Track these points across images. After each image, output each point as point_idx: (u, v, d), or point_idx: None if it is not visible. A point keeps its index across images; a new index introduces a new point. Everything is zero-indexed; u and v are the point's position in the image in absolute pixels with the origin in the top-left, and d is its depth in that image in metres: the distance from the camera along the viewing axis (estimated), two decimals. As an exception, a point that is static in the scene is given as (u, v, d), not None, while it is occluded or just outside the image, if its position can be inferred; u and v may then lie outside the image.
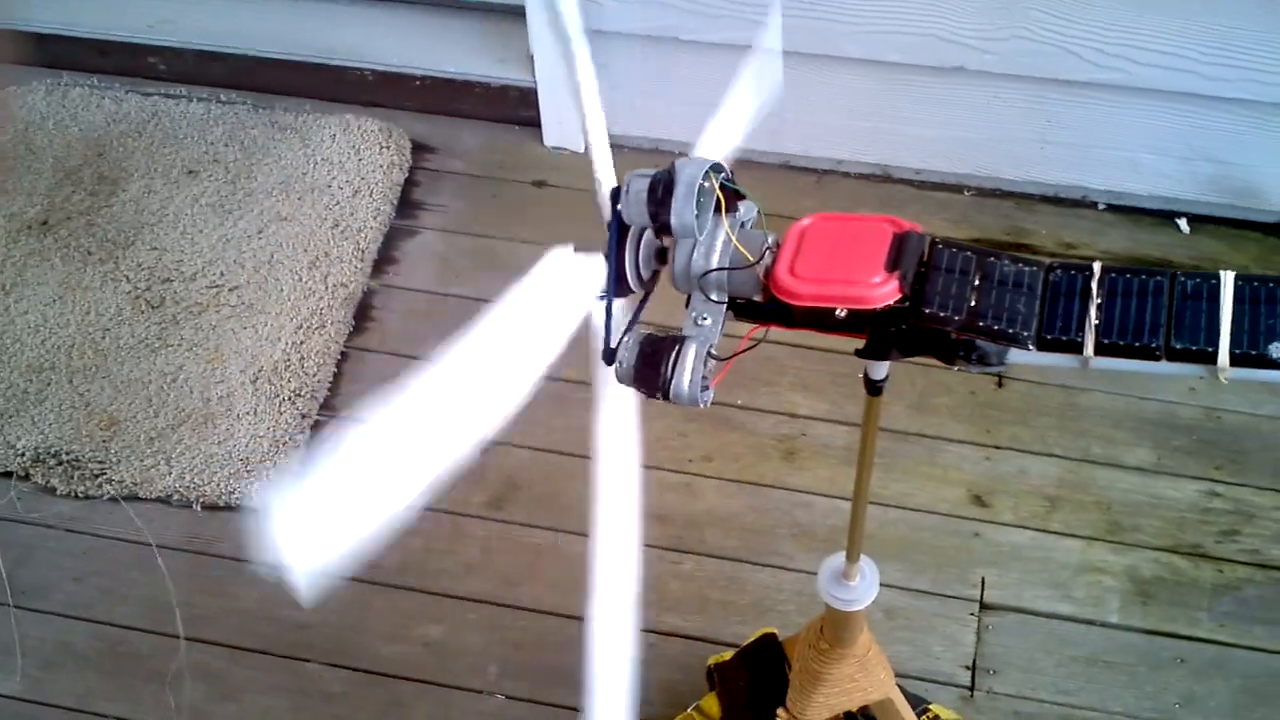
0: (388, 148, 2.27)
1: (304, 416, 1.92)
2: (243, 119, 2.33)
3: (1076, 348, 0.74)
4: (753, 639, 1.45)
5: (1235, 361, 0.71)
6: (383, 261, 2.14)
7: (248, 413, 1.91)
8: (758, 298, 0.83)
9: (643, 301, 0.89)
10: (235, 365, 1.97)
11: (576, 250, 0.84)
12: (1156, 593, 1.71)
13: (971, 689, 1.64)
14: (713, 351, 0.82)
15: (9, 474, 1.87)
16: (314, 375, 1.96)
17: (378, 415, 0.71)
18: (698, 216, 0.80)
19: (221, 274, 2.09)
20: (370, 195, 2.20)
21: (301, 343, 2.00)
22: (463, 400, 0.76)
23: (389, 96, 2.35)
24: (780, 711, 1.27)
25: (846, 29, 2.01)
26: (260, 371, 1.96)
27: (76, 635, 1.73)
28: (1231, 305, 0.72)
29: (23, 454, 1.88)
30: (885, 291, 0.77)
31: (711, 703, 1.48)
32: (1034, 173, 2.16)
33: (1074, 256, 2.10)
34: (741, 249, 0.82)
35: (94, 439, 1.89)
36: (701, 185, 0.80)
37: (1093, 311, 0.74)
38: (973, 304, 0.76)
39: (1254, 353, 0.70)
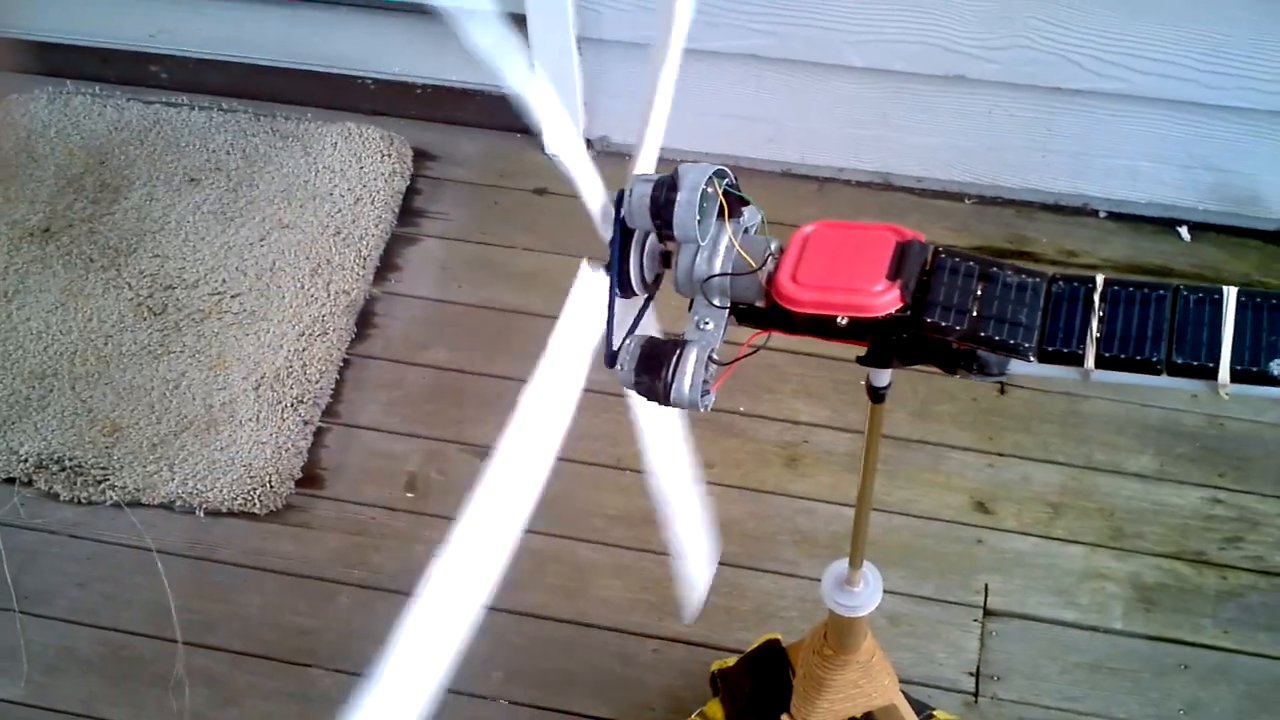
0: (389, 155, 2.27)
1: (306, 423, 1.92)
2: (244, 127, 2.34)
3: (1077, 360, 0.74)
4: (757, 645, 1.45)
5: (1236, 378, 0.71)
6: (384, 269, 2.14)
7: (250, 419, 1.92)
8: (760, 303, 0.83)
9: (645, 304, 0.89)
10: (238, 372, 1.97)
11: (590, 260, 0.84)
12: (1160, 599, 1.71)
13: (975, 695, 1.64)
14: (714, 356, 0.82)
15: (12, 480, 1.88)
16: (316, 382, 1.96)
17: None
18: (700, 221, 0.80)
19: (224, 281, 2.10)
20: (372, 203, 2.20)
21: (304, 349, 2.00)
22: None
23: (390, 104, 2.36)
24: (784, 717, 1.27)
25: (848, 38, 2.01)
26: (263, 378, 1.97)
27: (80, 640, 1.73)
28: (1234, 321, 0.72)
29: (26, 460, 1.88)
30: (886, 300, 0.77)
31: (715, 709, 1.48)
32: (1035, 181, 2.16)
33: (1075, 264, 2.10)
34: (744, 254, 0.83)
35: (97, 445, 1.90)
36: (704, 190, 0.80)
37: (1094, 324, 0.74)
38: (974, 314, 0.76)
39: (1255, 369, 0.71)
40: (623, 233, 0.84)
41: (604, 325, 0.84)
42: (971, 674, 1.65)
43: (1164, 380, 0.73)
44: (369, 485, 1.87)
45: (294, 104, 2.38)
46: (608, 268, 0.85)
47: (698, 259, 0.83)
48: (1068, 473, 1.84)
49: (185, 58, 2.40)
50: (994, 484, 1.83)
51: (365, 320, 2.07)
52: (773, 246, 0.83)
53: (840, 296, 0.78)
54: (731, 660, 1.48)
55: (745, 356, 0.84)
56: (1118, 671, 1.65)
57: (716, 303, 0.83)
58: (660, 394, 0.81)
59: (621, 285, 0.86)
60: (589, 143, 2.26)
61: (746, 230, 0.86)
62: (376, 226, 2.17)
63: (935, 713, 1.51)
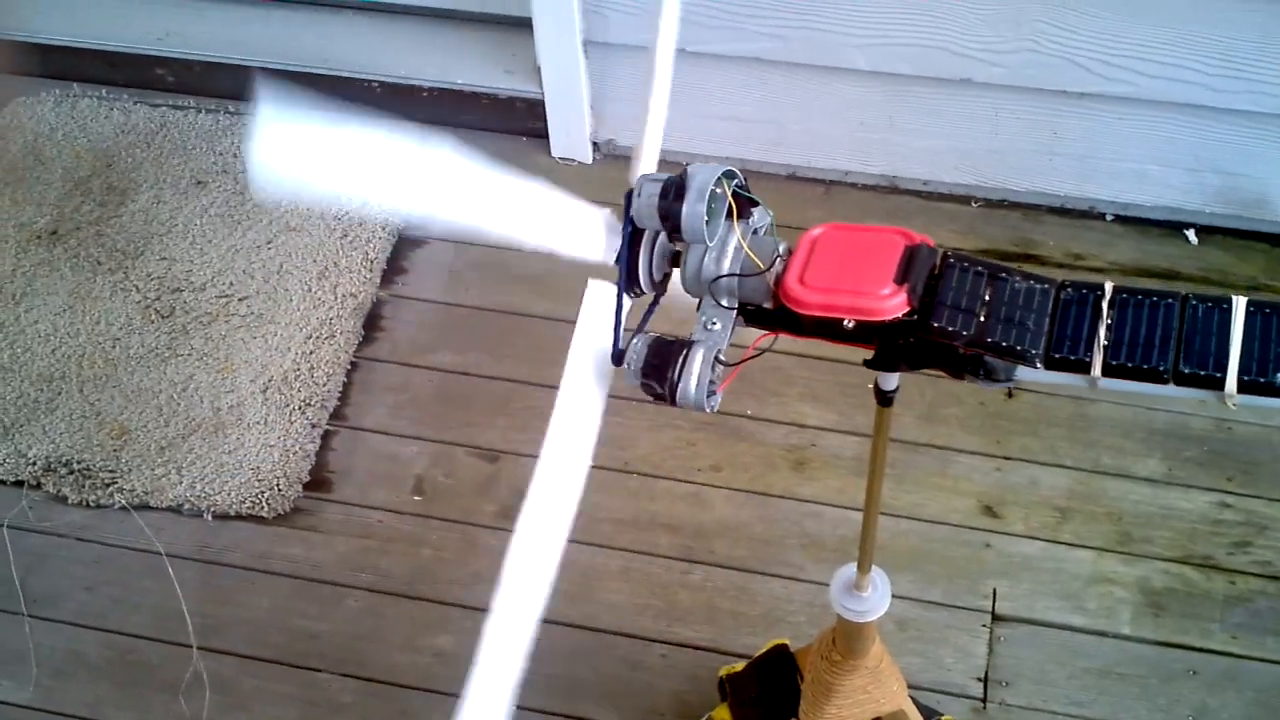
0: (397, 159, 2.27)
1: (314, 426, 1.92)
2: (251, 130, 2.34)
3: (1084, 367, 0.73)
4: (764, 649, 1.44)
5: (1243, 388, 0.71)
6: (392, 272, 2.14)
7: (258, 422, 1.92)
8: (768, 305, 0.83)
9: (653, 304, 0.89)
10: (245, 375, 1.98)
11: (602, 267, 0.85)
12: (1168, 604, 1.71)
13: (984, 701, 1.63)
14: (721, 357, 0.82)
15: (20, 483, 1.88)
16: (324, 385, 1.97)
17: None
18: (708, 221, 0.80)
19: (231, 284, 2.10)
20: (378, 205, 2.20)
21: (311, 352, 2.00)
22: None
23: (397, 107, 2.36)
24: (791, 722, 1.27)
25: (853, 41, 2.01)
26: (270, 381, 1.97)
27: (88, 644, 1.73)
28: (1242, 331, 0.71)
29: (34, 463, 1.89)
30: (893, 304, 0.76)
31: (723, 714, 1.48)
32: (1041, 184, 2.16)
33: (1082, 268, 2.09)
34: (752, 255, 0.83)
35: (105, 448, 1.90)
36: (713, 190, 0.80)
37: (1102, 331, 0.73)
38: (982, 320, 0.76)
39: (1262, 380, 0.70)
40: (632, 231, 0.84)
41: (612, 323, 0.84)
42: (980, 679, 1.65)
43: (1170, 389, 0.72)
44: (376, 488, 1.87)
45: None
46: (618, 261, 0.85)
47: (706, 259, 0.83)
48: (1075, 477, 1.83)
49: (192, 61, 2.40)
50: (1001, 488, 1.83)
51: (372, 323, 2.07)
52: (781, 248, 0.83)
53: (847, 299, 0.78)
54: (739, 665, 1.48)
55: (752, 358, 0.83)
56: (1126, 677, 1.65)
57: (724, 303, 0.83)
58: (666, 393, 0.81)
59: (629, 283, 0.86)
60: (595, 145, 2.26)
61: (756, 232, 0.86)
62: (383, 229, 2.17)
63: (943, 718, 1.51)
